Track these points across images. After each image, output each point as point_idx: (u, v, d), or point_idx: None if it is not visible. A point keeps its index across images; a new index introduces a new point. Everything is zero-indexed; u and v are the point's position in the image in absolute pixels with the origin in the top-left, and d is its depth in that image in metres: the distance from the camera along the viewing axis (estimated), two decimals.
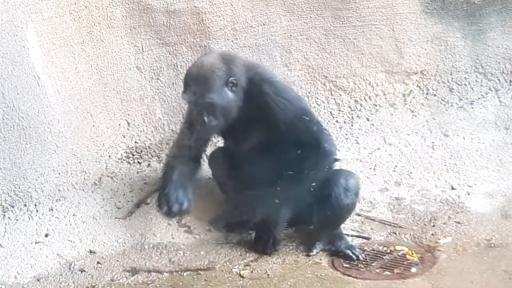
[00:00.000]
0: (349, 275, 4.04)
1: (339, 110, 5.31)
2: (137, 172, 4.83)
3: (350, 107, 5.33)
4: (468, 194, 4.74)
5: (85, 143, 4.68)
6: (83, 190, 4.58)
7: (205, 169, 4.80)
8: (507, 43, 5.54)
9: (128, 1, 4.83)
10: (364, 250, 4.27)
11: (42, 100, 4.37)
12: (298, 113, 4.09)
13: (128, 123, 4.97)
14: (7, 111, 4.20)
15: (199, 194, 4.61)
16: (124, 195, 4.62)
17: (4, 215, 4.26)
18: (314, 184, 4.02)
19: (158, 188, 4.37)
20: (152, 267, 4.09)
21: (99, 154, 4.77)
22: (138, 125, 4.99)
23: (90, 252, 4.20)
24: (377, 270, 4.10)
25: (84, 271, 4.04)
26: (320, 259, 4.19)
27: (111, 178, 4.74)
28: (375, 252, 4.28)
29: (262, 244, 4.20)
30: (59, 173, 4.48)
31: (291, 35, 5.20)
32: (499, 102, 5.49)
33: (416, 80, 5.47)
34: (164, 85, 5.03)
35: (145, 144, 4.97)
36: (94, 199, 4.55)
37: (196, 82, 4.04)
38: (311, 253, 4.21)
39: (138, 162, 4.90)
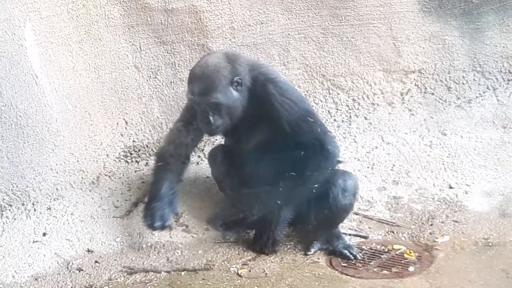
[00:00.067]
0: (347, 274, 4.05)
1: (337, 109, 5.32)
2: (135, 171, 4.83)
3: (348, 106, 5.33)
4: (466, 193, 4.74)
5: (83, 142, 4.67)
6: (81, 189, 4.57)
7: (203, 167, 4.81)
8: (505, 42, 5.54)
9: None
10: (362, 249, 4.27)
11: (40, 99, 4.36)
12: (303, 114, 4.08)
13: (126, 122, 4.96)
14: (4, 109, 4.19)
15: (197, 193, 4.62)
16: (122, 194, 4.61)
17: (2, 214, 4.26)
18: (316, 185, 4.01)
19: (146, 191, 4.41)
20: (150, 266, 4.09)
21: (97, 153, 4.76)
22: (136, 124, 4.98)
23: (88, 251, 4.19)
24: (375, 269, 4.10)
25: (82, 270, 4.03)
26: (318, 258, 4.19)
27: (109, 177, 4.73)
28: (373, 251, 4.28)
29: (261, 244, 4.20)
30: (57, 172, 4.47)
31: (289, 34, 5.19)
32: (497, 101, 5.49)
33: (414, 79, 5.47)
34: (162, 84, 5.02)
35: (143, 143, 4.97)
36: (92, 198, 4.55)
37: (201, 82, 4.02)
38: (309, 252, 4.22)
39: (136, 161, 4.90)
